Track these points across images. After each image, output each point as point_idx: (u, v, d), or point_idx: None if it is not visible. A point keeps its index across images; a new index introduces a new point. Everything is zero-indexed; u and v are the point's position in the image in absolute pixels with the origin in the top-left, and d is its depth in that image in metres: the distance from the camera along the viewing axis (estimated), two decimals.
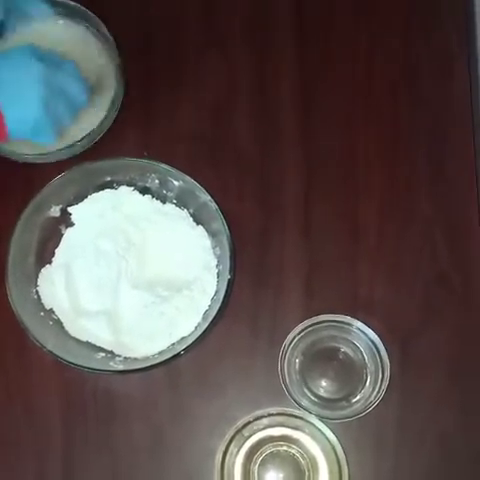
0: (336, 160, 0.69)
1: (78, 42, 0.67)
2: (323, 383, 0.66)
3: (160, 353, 0.63)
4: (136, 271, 0.65)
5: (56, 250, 0.66)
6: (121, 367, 0.63)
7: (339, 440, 0.62)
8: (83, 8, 0.66)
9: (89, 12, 0.65)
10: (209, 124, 0.70)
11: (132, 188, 0.66)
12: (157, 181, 0.66)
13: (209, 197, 0.63)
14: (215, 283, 0.64)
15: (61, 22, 0.67)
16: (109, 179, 0.66)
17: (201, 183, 0.64)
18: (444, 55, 0.70)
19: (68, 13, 0.67)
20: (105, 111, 0.65)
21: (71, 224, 0.66)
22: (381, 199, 0.68)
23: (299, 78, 0.70)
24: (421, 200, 0.68)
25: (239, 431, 0.62)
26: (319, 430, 0.62)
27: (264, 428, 0.64)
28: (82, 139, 0.64)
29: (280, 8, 0.71)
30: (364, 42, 0.71)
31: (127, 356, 0.64)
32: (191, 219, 0.66)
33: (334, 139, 0.69)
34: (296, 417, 0.63)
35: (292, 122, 0.69)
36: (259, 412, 0.62)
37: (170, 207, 0.66)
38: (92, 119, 0.65)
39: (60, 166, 0.65)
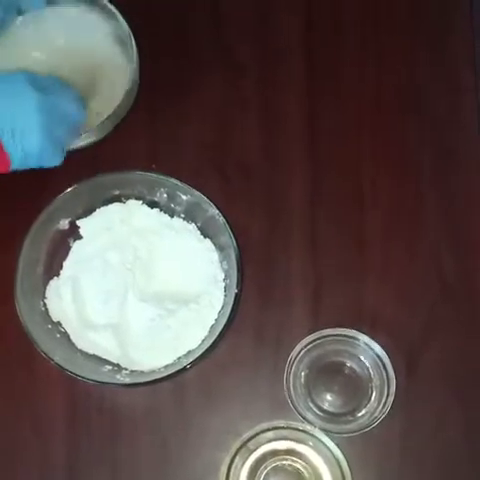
0: (343, 175, 0.69)
1: (91, 34, 0.67)
2: (328, 397, 0.66)
3: (166, 367, 0.63)
4: (143, 284, 0.65)
5: (64, 263, 0.66)
6: (127, 380, 0.63)
7: (344, 454, 0.62)
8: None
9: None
10: (216, 137, 0.70)
11: (140, 202, 0.67)
12: (165, 195, 0.66)
13: (217, 211, 0.64)
14: (222, 297, 0.65)
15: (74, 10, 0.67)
16: (117, 193, 0.66)
17: (208, 196, 0.64)
18: (452, 72, 0.71)
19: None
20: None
21: (79, 237, 0.67)
22: (388, 213, 0.69)
23: (307, 91, 0.70)
24: (428, 215, 0.68)
25: (244, 444, 0.62)
26: (324, 444, 0.62)
27: (269, 441, 0.64)
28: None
29: (289, 24, 0.71)
30: (372, 58, 0.71)
31: (133, 369, 0.64)
32: (199, 233, 0.67)
33: (341, 153, 0.69)
34: (301, 431, 0.63)
35: (299, 136, 0.70)
36: (264, 425, 0.62)
37: (178, 221, 0.67)
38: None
39: (72, 172, 0.65)
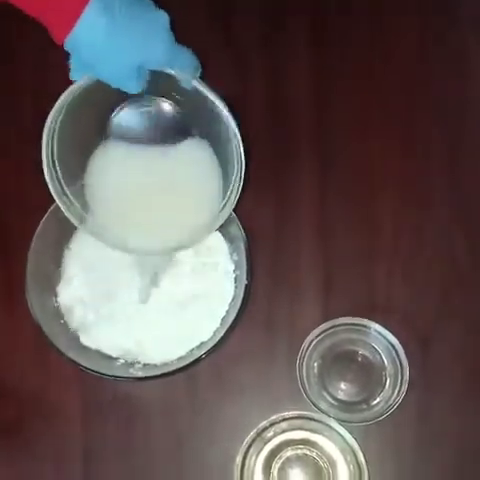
0: (351, 162, 0.69)
1: None
2: (342, 386, 0.66)
3: (179, 359, 0.64)
4: (155, 278, 0.65)
5: (74, 258, 0.66)
6: (140, 374, 0.63)
7: (359, 443, 0.62)
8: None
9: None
10: None
11: None
12: None
13: None
14: (233, 289, 0.65)
15: None
16: None
17: None
18: (461, 67, 0.70)
19: None
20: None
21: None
22: (398, 198, 0.68)
23: (315, 81, 0.70)
24: (438, 199, 0.68)
25: (259, 435, 0.63)
26: (339, 433, 0.62)
27: (283, 432, 0.64)
28: None
29: (296, 26, 0.71)
30: (379, 56, 0.71)
31: (146, 362, 0.64)
32: None
33: (350, 140, 0.69)
34: (315, 420, 0.63)
35: (307, 125, 0.70)
36: (278, 416, 0.62)
37: None
38: None
39: None
